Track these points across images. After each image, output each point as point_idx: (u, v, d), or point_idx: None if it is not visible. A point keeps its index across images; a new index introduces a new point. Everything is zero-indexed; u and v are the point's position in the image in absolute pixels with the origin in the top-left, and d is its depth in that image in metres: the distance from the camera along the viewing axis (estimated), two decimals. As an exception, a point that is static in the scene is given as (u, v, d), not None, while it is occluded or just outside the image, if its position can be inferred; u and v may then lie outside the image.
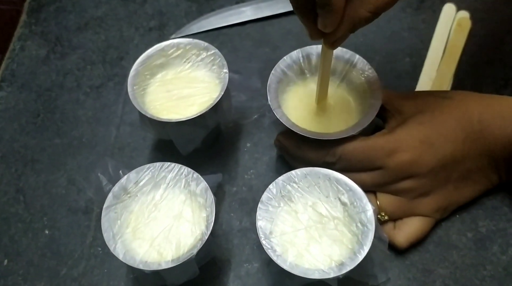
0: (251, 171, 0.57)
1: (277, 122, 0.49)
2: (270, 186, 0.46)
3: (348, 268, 0.41)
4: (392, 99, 0.49)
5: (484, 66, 0.62)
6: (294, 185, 0.46)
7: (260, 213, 0.44)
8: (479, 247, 0.50)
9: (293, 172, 0.46)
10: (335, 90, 0.53)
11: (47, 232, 0.55)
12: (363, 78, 0.51)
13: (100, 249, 0.53)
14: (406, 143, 0.46)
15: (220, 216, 0.55)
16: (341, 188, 0.45)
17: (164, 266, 0.42)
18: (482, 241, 0.51)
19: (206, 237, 0.43)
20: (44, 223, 0.55)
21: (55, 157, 0.60)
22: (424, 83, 0.60)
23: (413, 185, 0.47)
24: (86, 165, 0.59)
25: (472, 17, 0.65)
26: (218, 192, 0.56)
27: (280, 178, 0.46)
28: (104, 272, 0.52)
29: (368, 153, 0.47)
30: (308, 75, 0.53)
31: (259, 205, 0.45)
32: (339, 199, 0.45)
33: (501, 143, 0.46)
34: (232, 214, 0.55)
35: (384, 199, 0.48)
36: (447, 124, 0.47)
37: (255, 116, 0.61)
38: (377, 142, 0.47)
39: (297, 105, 0.52)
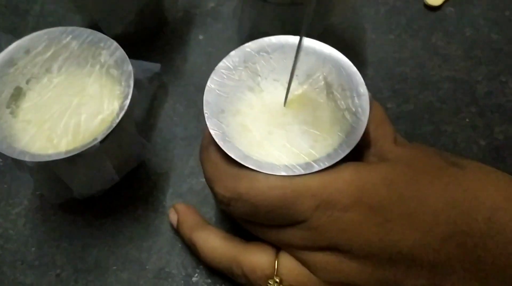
0: (203, 68, 0.45)
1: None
2: (232, 53, 0.33)
3: (320, 167, 0.29)
4: (383, 136, 0.32)
5: None
6: (265, 55, 0.33)
7: (211, 84, 0.32)
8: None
9: (266, 39, 0.33)
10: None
11: None
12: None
13: None
14: (353, 197, 0.28)
15: (160, 120, 0.42)
16: (328, 65, 0.32)
17: (54, 157, 0.29)
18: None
19: (118, 120, 0.31)
20: None
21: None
22: None
23: (333, 262, 0.29)
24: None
25: None
26: (159, 91, 0.43)
27: (248, 44, 0.33)
28: (3, 188, 0.40)
29: (289, 200, 0.28)
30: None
31: (212, 74, 0.32)
32: (324, 79, 0.32)
33: None
34: (175, 119, 0.42)
35: (287, 263, 0.31)
36: (433, 202, 0.28)
37: (212, 5, 0.48)
38: (309, 184, 0.29)
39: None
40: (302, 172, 0.28)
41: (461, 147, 0.40)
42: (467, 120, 0.41)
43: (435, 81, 0.43)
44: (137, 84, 0.33)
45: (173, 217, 0.36)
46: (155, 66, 0.40)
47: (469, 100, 0.42)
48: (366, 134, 0.31)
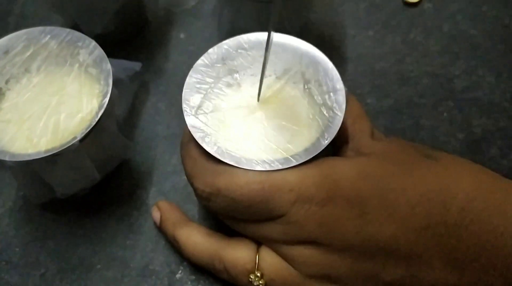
0: (184, 66, 0.44)
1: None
2: (210, 50, 0.33)
3: (298, 162, 0.29)
4: (360, 131, 0.33)
5: None
6: (243, 52, 0.34)
7: (189, 82, 0.32)
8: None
9: (244, 36, 0.34)
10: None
11: None
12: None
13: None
14: (331, 191, 0.29)
15: (141, 119, 0.42)
16: (305, 61, 0.33)
17: (34, 156, 0.30)
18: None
19: (97, 118, 0.31)
20: None
21: None
22: None
23: (312, 255, 0.30)
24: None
25: None
26: (140, 90, 0.44)
27: (226, 41, 0.34)
28: (-15, 190, 0.40)
29: (268, 194, 0.29)
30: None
31: (190, 72, 0.33)
32: (301, 75, 0.33)
33: (495, 263, 0.27)
34: (157, 118, 0.43)
35: (268, 258, 0.31)
36: (409, 194, 0.28)
37: (192, 3, 0.48)
38: (287, 179, 0.29)
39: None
40: (280, 167, 0.29)
41: (440, 141, 0.41)
42: (445, 114, 0.42)
43: (414, 76, 0.44)
44: (117, 83, 0.33)
45: (156, 214, 0.36)
46: (136, 65, 0.40)
47: (447, 95, 0.43)
48: (343, 129, 0.31)
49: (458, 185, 0.29)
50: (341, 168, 0.30)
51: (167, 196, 0.39)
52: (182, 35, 0.47)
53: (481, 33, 0.46)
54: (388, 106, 0.43)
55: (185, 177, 0.39)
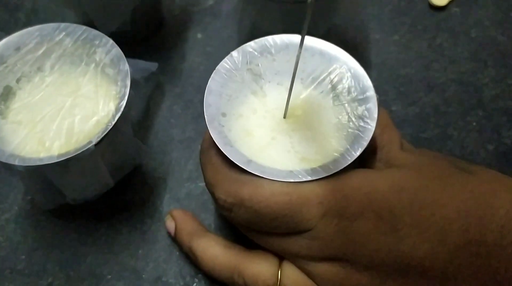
0: (201, 68, 0.43)
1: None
2: (234, 53, 0.31)
3: (328, 173, 0.27)
4: (389, 142, 0.31)
5: None
6: (268, 56, 0.32)
7: (212, 85, 0.30)
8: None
9: (269, 39, 0.32)
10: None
11: None
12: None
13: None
14: (362, 205, 0.27)
15: (156, 122, 0.41)
16: (335, 66, 0.31)
17: (46, 161, 0.28)
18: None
19: (114, 122, 0.29)
20: None
21: None
22: None
23: (339, 273, 0.28)
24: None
25: None
26: (156, 92, 0.42)
27: (250, 44, 0.32)
28: (-10, 194, 0.38)
29: (295, 207, 0.27)
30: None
31: (213, 75, 0.30)
32: (330, 81, 0.31)
33: None
34: (172, 121, 0.41)
35: (291, 274, 0.29)
36: (445, 210, 0.26)
37: (210, 2, 0.46)
38: (316, 191, 0.27)
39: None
40: (308, 178, 0.27)
41: (468, 151, 0.39)
42: (474, 123, 0.40)
43: (441, 84, 0.42)
44: (133, 84, 0.32)
45: (170, 224, 0.35)
46: (152, 65, 0.38)
47: (476, 103, 0.41)
48: (372, 139, 0.29)
49: (496, 201, 0.27)
50: (373, 181, 0.28)
51: (182, 204, 0.37)
52: (199, 35, 0.45)
53: (509, 39, 0.44)
54: (413, 114, 0.41)
55: (201, 184, 0.38)
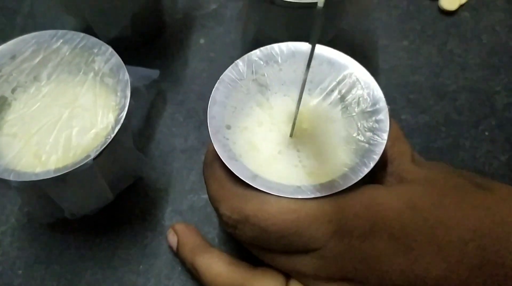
0: (204, 75, 0.42)
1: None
2: (239, 62, 0.30)
3: (337, 189, 0.26)
4: (399, 155, 0.29)
5: None
6: (275, 65, 0.30)
7: (216, 96, 0.28)
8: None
9: (275, 47, 0.30)
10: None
11: None
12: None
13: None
14: (373, 224, 0.25)
15: (157, 131, 0.39)
16: (343, 75, 0.29)
17: (42, 176, 0.26)
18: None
19: (114, 134, 0.28)
20: None
21: None
22: None
23: None
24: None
25: None
26: (157, 100, 0.40)
27: (255, 52, 0.30)
28: (-14, 205, 0.37)
29: (303, 225, 0.25)
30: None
31: (217, 84, 0.29)
32: (339, 92, 0.30)
33: None
34: (174, 129, 0.39)
35: None
36: (461, 229, 0.25)
37: (213, 6, 0.45)
38: (325, 208, 0.26)
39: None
40: (317, 194, 0.26)
41: (480, 162, 0.38)
42: (487, 133, 0.39)
43: (451, 91, 0.41)
44: (134, 92, 0.30)
45: (172, 239, 0.33)
46: (154, 73, 0.37)
47: (488, 112, 0.40)
48: (382, 153, 0.28)
49: None
50: (384, 198, 0.26)
51: (184, 216, 0.36)
52: (202, 41, 0.43)
53: (521, 45, 0.43)
54: (423, 123, 0.39)
55: (204, 196, 0.36)
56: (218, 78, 0.29)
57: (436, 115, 0.40)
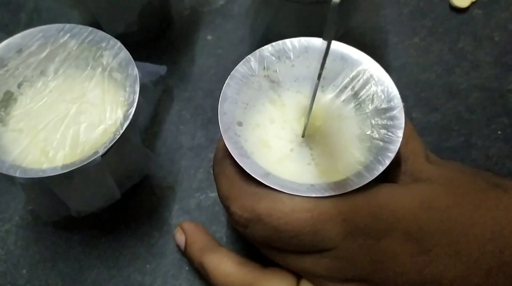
0: (211, 71, 0.41)
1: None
2: (250, 57, 0.29)
3: (352, 187, 0.25)
4: (413, 153, 0.29)
5: None
6: (287, 61, 0.30)
7: (227, 92, 0.28)
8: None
9: (287, 42, 0.30)
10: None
11: None
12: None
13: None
14: (389, 223, 0.25)
15: (164, 129, 0.39)
16: (356, 71, 0.29)
17: (49, 172, 0.26)
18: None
19: (122, 131, 0.27)
20: None
21: None
22: None
23: None
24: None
25: None
26: (164, 96, 0.40)
27: (267, 47, 0.29)
28: (-9, 203, 0.36)
29: (316, 224, 0.25)
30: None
31: (228, 80, 0.28)
32: (352, 88, 0.29)
33: None
34: (181, 127, 0.39)
35: None
36: (479, 229, 0.25)
37: (221, 2, 0.44)
38: (340, 207, 0.25)
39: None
40: (332, 193, 0.25)
41: (493, 161, 0.37)
42: (499, 132, 0.38)
43: (463, 89, 0.40)
44: (141, 88, 0.30)
45: (180, 238, 0.33)
46: (161, 69, 0.36)
47: (501, 111, 0.39)
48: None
49: None
50: (400, 197, 0.26)
51: (192, 215, 0.35)
52: (209, 37, 0.43)
53: (534, 43, 0.42)
54: (435, 122, 0.39)
55: (212, 194, 0.36)
56: (226, 75, 0.28)
57: (448, 114, 0.39)
